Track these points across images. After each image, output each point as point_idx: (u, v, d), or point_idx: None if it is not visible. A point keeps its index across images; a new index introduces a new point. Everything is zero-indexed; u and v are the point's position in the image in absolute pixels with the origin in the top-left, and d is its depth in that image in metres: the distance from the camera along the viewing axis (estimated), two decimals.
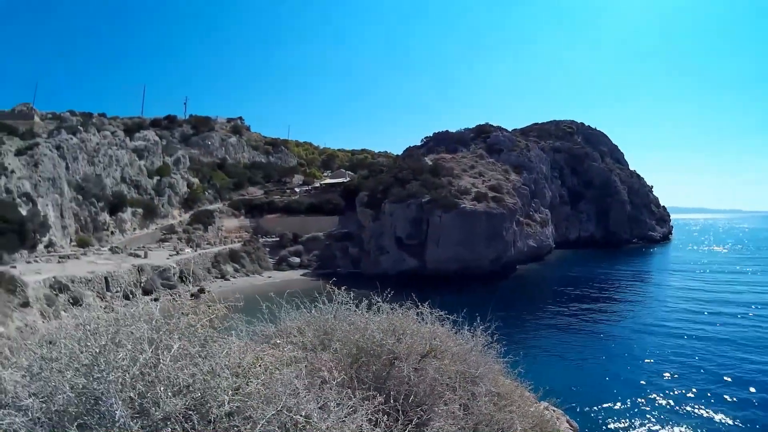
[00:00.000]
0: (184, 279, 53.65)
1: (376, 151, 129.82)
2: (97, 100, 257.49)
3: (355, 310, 6.07)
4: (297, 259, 63.22)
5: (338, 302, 6.17)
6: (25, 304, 36.31)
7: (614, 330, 38.53)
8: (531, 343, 33.56)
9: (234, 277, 58.26)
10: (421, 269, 56.92)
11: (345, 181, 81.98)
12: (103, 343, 3.93)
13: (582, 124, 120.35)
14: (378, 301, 6.27)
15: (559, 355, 32.00)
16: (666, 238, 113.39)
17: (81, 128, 64.61)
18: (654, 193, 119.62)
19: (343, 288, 6.33)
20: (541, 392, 8.09)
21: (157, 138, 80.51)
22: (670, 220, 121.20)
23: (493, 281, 55.40)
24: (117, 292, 47.07)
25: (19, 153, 54.16)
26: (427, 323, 6.25)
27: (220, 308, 4.84)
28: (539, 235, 72.40)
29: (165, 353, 3.86)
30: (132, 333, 4.08)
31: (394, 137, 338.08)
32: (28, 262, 44.05)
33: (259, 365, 4.17)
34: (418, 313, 6.33)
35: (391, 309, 6.28)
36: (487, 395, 5.90)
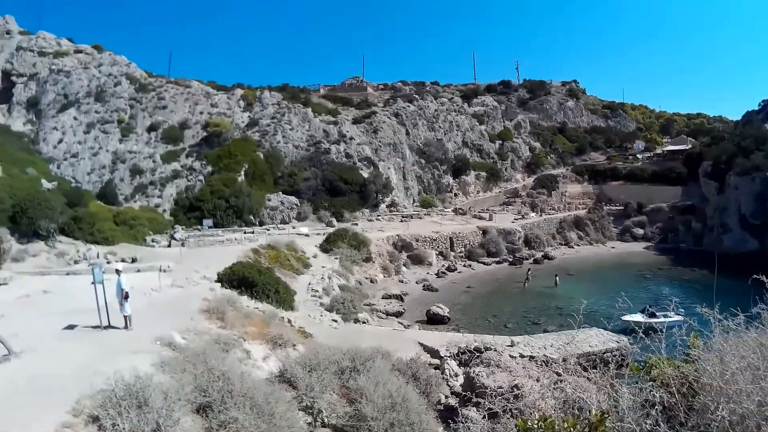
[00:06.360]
0: (528, 243, 51.66)
1: (711, 115, 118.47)
2: (426, 69, 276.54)
3: None
4: (641, 231, 60.87)
5: None
6: (367, 260, 35.44)
7: None
8: None
9: (578, 245, 55.82)
10: (761, 253, 49.82)
11: (687, 148, 77.37)
12: None
13: None
14: None
15: None
16: None
17: (417, 96, 68.04)
18: None
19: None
20: None
21: (495, 103, 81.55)
22: None
23: None
24: (460, 252, 44.79)
25: (356, 121, 59.06)
26: None
27: None
28: None
29: None
30: None
31: (728, 99, 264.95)
32: (370, 221, 45.34)
33: None
34: None
35: None
36: None
